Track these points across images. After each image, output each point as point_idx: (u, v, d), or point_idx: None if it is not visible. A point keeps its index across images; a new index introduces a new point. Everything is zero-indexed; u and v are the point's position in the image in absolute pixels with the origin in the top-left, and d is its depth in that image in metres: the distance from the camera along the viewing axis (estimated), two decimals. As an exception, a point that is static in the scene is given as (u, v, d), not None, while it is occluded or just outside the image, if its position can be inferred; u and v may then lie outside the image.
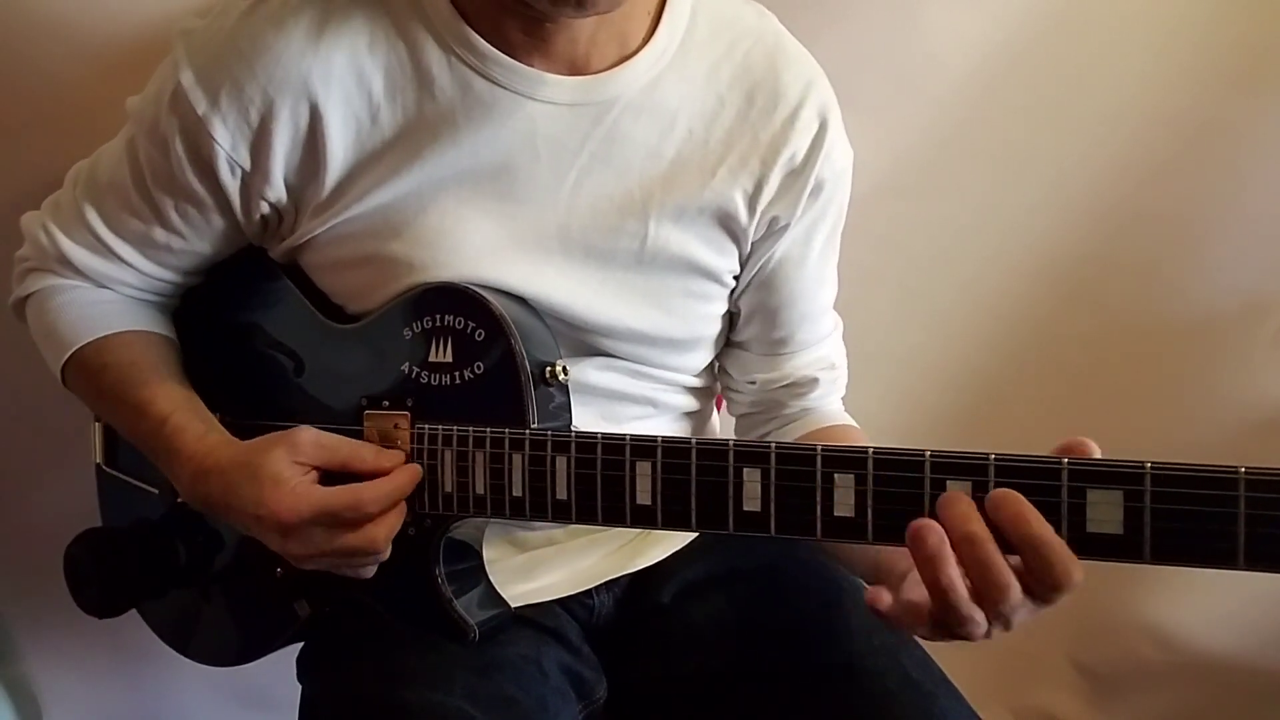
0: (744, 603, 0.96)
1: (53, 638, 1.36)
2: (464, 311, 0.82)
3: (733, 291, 0.96)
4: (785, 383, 1.00)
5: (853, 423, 1.01)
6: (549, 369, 0.82)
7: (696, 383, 1.00)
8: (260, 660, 0.99)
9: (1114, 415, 1.40)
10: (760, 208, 0.90)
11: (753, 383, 1.00)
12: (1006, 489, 0.63)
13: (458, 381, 0.82)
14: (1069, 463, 0.62)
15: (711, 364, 1.01)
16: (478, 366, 0.82)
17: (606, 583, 0.98)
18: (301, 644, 0.97)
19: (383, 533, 0.80)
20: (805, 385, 0.99)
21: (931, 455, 0.65)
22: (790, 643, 0.91)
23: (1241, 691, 1.47)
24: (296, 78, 0.81)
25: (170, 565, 0.96)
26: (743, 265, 0.94)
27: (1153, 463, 0.60)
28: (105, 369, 0.90)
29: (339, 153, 0.83)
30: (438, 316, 0.83)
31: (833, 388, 1.02)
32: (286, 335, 0.93)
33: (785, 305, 0.96)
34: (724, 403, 1.10)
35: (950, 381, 1.43)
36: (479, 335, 0.82)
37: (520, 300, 0.86)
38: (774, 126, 0.89)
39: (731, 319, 0.99)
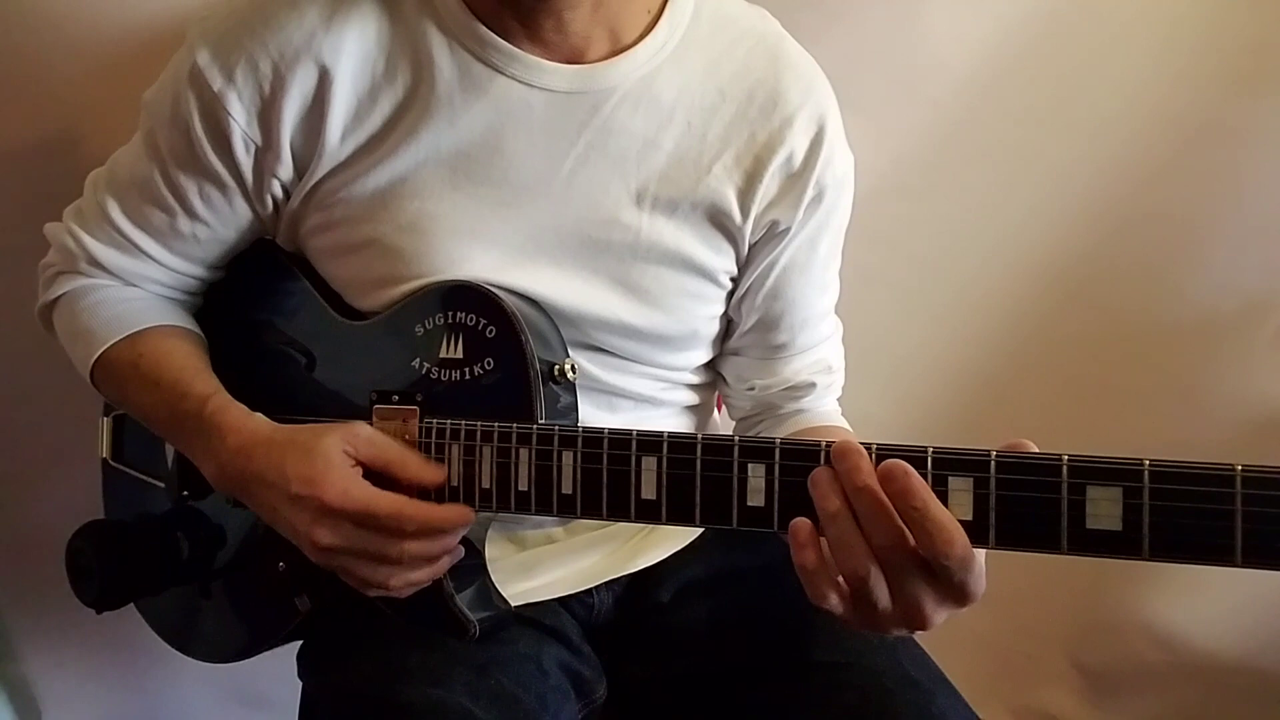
0: (743, 602, 0.97)
1: (52, 638, 1.36)
2: (476, 308, 0.83)
3: (731, 295, 0.96)
4: (782, 386, 0.99)
5: (845, 424, 1.01)
6: (557, 367, 0.82)
7: (694, 379, 0.99)
8: (260, 660, 0.99)
9: (1114, 415, 1.40)
10: (755, 208, 0.90)
11: (750, 388, 1.00)
12: (895, 460, 0.63)
13: (468, 378, 0.83)
14: (1069, 460, 0.62)
15: (711, 362, 1.00)
16: (488, 363, 0.82)
17: (606, 582, 0.98)
18: (301, 642, 0.97)
19: (412, 575, 0.80)
20: (802, 389, 0.99)
21: (934, 452, 0.65)
22: (789, 641, 0.91)
23: (1241, 691, 1.47)
24: (307, 53, 0.83)
25: (172, 558, 0.97)
26: (741, 269, 0.94)
27: (1151, 460, 0.60)
28: (141, 359, 0.91)
29: (338, 127, 0.85)
30: (450, 313, 0.83)
31: (828, 391, 1.01)
32: (299, 331, 0.93)
33: (788, 311, 0.96)
34: (724, 405, 1.10)
35: (950, 381, 1.44)
36: (490, 332, 0.82)
37: (530, 300, 0.86)
38: (771, 126, 0.89)
39: (728, 324, 0.99)
